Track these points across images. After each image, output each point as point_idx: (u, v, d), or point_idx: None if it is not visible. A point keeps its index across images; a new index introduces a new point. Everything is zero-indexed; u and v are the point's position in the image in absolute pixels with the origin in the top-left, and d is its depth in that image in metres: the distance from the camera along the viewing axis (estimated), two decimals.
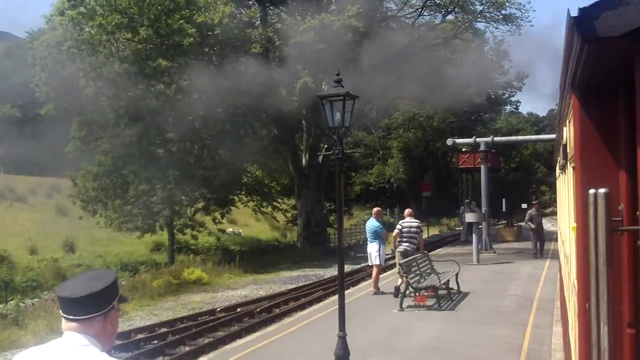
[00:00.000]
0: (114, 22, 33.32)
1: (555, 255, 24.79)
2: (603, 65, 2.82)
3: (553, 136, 32.26)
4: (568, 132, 4.82)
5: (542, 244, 29.13)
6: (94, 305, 2.96)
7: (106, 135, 35.57)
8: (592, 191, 2.68)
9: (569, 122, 4.39)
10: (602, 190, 2.63)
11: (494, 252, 31.40)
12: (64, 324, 3.00)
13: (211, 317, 20.38)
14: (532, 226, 28.89)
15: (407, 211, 19.94)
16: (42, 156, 61.73)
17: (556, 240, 26.17)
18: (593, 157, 3.11)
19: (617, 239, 2.84)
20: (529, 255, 28.91)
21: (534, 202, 31.14)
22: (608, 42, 2.48)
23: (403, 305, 16.39)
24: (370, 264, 20.60)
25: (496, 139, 35.92)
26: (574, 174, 3.76)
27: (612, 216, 2.66)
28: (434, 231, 58.31)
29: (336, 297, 12.47)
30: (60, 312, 3.02)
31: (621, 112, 2.96)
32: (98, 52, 34.11)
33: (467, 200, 41.22)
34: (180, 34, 33.61)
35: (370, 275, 21.55)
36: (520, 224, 51.64)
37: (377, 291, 19.40)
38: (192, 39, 33.54)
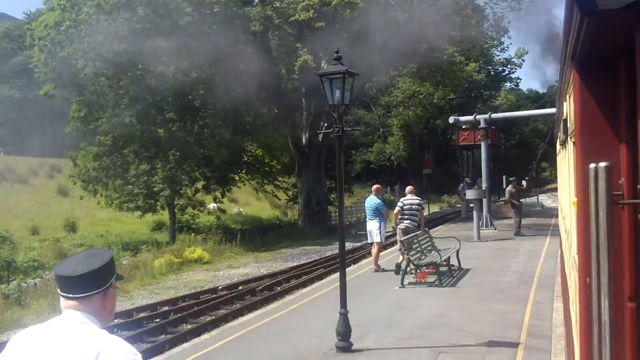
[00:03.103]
0: (111, 2, 33.17)
1: (555, 232, 24.83)
2: (603, 39, 2.81)
3: (549, 110, 32.35)
4: (568, 107, 4.80)
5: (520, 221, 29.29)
6: (93, 283, 2.99)
7: (106, 116, 35.56)
8: (592, 165, 2.67)
9: (569, 96, 4.37)
10: (602, 164, 2.63)
11: (495, 229, 31.46)
12: (63, 302, 3.03)
13: (213, 295, 20.43)
14: (517, 203, 29.03)
15: (408, 188, 19.94)
16: (42, 137, 61.75)
17: (556, 216, 26.20)
18: (593, 131, 3.09)
19: (617, 212, 2.83)
20: (528, 231, 28.99)
21: (510, 179, 31.20)
22: (608, 15, 2.46)
23: (404, 282, 16.44)
24: (370, 242, 20.60)
25: (493, 115, 35.91)
26: (575, 149, 3.76)
27: (612, 190, 2.66)
28: (435, 208, 58.37)
29: (337, 274, 12.50)
30: (59, 290, 3.05)
31: (622, 86, 2.95)
32: (96, 32, 33.99)
33: (466, 178, 41.21)
34: (177, 13, 33.47)
35: (371, 253, 21.58)
36: (520, 200, 51.65)
37: (378, 269, 19.45)
38: (189, 17, 33.40)
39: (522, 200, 33.19)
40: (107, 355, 2.88)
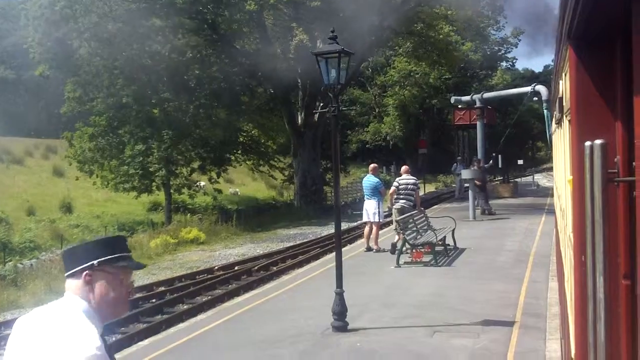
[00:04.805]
0: None
1: (551, 211, 24.87)
2: (600, 16, 2.79)
3: (525, 89, 32.47)
4: (564, 85, 4.79)
5: (486, 200, 29.46)
6: (71, 262, 2.92)
7: (101, 96, 35.46)
8: (588, 143, 2.66)
9: (565, 74, 4.36)
10: (598, 142, 2.62)
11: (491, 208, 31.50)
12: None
13: (209, 276, 20.50)
14: (479, 183, 29.18)
15: (403, 168, 19.91)
16: (38, 117, 61.52)
17: (552, 195, 26.23)
18: (589, 109, 3.08)
19: (613, 190, 2.82)
20: (526, 211, 29.07)
21: (474, 160, 31.38)
22: None
23: (400, 262, 16.47)
24: (364, 221, 20.46)
25: (485, 95, 35.99)
26: (570, 127, 3.75)
27: (608, 168, 2.65)
28: (430, 188, 58.42)
29: (333, 254, 12.51)
30: None
31: (618, 63, 2.93)
32: (91, 12, 33.80)
33: (458, 157, 41.26)
34: None
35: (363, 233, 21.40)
36: (516, 180, 51.80)
37: (379, 249, 19.37)
38: None
39: (517, 180, 33.24)
40: (64, 342, 2.65)
